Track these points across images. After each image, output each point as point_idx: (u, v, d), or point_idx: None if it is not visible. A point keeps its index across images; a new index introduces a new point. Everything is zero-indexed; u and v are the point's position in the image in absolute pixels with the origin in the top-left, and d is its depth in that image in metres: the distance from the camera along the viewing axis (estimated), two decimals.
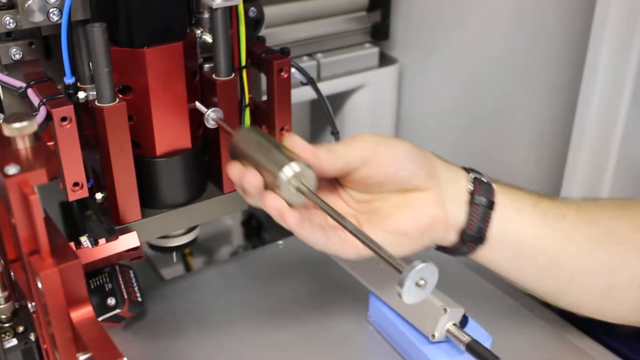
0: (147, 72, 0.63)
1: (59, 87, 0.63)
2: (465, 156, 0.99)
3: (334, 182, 0.63)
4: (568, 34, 0.82)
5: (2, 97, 0.64)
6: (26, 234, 0.46)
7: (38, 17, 0.59)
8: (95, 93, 0.62)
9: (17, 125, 0.46)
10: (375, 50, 1.02)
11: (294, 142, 0.57)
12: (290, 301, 0.79)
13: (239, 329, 0.75)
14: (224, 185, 0.72)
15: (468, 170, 0.65)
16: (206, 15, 0.68)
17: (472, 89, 0.97)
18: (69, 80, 0.62)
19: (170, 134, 0.67)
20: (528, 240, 0.64)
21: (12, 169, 0.45)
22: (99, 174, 0.67)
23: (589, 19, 0.74)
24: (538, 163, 0.90)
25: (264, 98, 0.74)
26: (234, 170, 0.59)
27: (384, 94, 1.05)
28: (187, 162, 0.69)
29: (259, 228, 1.22)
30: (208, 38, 0.68)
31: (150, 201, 0.69)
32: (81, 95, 0.63)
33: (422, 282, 0.49)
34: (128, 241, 0.64)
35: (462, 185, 0.63)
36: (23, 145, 0.47)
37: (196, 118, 0.68)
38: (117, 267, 0.70)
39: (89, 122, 0.64)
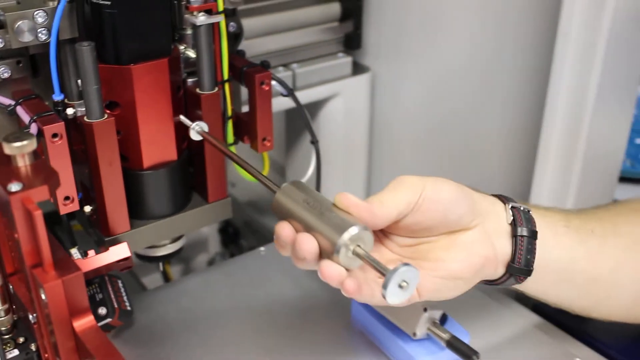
0: (134, 87, 0.65)
1: (47, 104, 0.65)
2: (437, 160, 1.02)
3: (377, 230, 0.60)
4: (533, 41, 0.85)
5: None
6: (29, 248, 0.48)
7: (27, 37, 0.61)
8: (83, 109, 0.64)
9: (17, 144, 0.48)
10: (348, 59, 1.05)
11: (349, 201, 0.55)
12: (276, 305, 0.81)
13: (227, 334, 0.77)
14: (208, 195, 0.74)
15: (502, 198, 0.64)
16: (189, 31, 0.70)
17: (441, 95, 1.00)
18: (57, 97, 0.64)
19: (156, 147, 0.69)
20: (566, 265, 0.64)
21: (14, 186, 0.46)
22: (88, 187, 0.68)
23: (553, 26, 0.77)
24: (508, 166, 0.93)
25: (245, 109, 0.76)
26: (285, 232, 0.55)
27: (358, 101, 1.08)
28: (173, 173, 0.71)
29: (236, 235, 1.24)
30: (191, 53, 0.70)
31: (138, 212, 0.71)
32: (70, 111, 0.65)
33: (404, 284, 0.51)
34: (119, 252, 0.65)
35: (502, 217, 0.62)
36: (23, 163, 0.49)
37: (180, 131, 0.70)
38: (106, 278, 0.72)
39: (78, 137, 0.66)
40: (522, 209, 0.62)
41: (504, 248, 0.61)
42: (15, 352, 0.58)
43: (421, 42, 1.00)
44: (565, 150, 0.81)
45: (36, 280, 0.48)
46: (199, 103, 0.69)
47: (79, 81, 0.64)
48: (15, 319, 0.59)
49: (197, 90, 0.70)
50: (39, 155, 0.50)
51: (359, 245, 0.53)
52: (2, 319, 0.58)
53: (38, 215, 0.46)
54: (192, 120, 0.68)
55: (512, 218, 0.61)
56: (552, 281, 0.64)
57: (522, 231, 0.61)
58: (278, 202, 0.57)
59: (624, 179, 1.03)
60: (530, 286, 0.64)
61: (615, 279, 0.66)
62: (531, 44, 0.85)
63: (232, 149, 0.75)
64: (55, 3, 0.61)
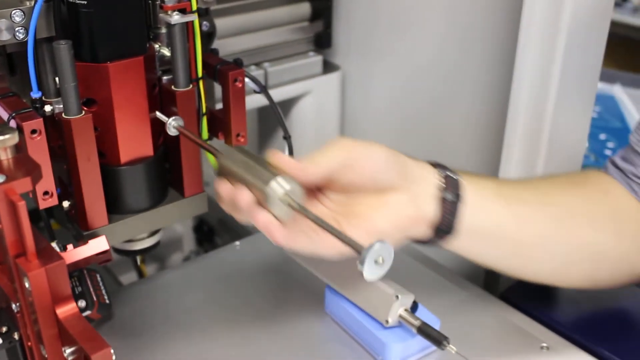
0: (110, 85, 0.66)
1: (25, 101, 0.66)
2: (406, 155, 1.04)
3: (311, 187, 0.64)
4: (497, 39, 0.88)
5: None
6: (13, 238, 0.49)
7: (5, 36, 0.62)
8: (61, 106, 0.65)
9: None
10: (319, 58, 1.07)
11: (280, 159, 0.60)
12: (252, 298, 0.82)
13: (206, 326, 0.78)
14: (184, 189, 0.76)
15: (435, 165, 0.68)
16: (163, 30, 0.72)
17: (410, 91, 1.02)
18: (35, 94, 0.65)
19: (133, 143, 0.70)
20: (493, 228, 0.68)
21: None
22: (66, 183, 0.70)
23: (516, 25, 0.80)
24: (476, 159, 0.96)
25: (218, 106, 0.78)
26: (224, 188, 0.61)
27: (328, 99, 1.10)
28: (150, 169, 0.73)
29: (210, 233, 1.25)
30: (166, 52, 0.72)
31: (116, 207, 0.72)
32: (47, 108, 0.66)
33: (380, 260, 0.55)
34: (98, 245, 0.66)
35: (431, 182, 0.66)
36: (5, 157, 0.50)
37: (157, 127, 0.72)
38: (85, 271, 0.74)
39: (55, 134, 0.67)
40: (452, 176, 0.67)
41: (430, 211, 0.65)
42: None
43: (390, 41, 1.03)
44: (529, 143, 0.84)
45: (20, 269, 0.50)
46: (174, 100, 0.71)
47: (57, 79, 0.65)
48: None
49: (172, 87, 0.71)
50: (20, 149, 0.51)
51: (289, 196, 0.58)
52: None
53: (22, 206, 0.47)
54: (168, 117, 0.70)
55: (440, 183, 0.66)
56: (479, 244, 0.69)
57: (448, 195, 0.65)
58: (221, 164, 0.63)
59: None
60: (459, 246, 0.68)
61: (544, 245, 0.70)
62: (495, 41, 0.88)
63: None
64: (32, 2, 0.62)
